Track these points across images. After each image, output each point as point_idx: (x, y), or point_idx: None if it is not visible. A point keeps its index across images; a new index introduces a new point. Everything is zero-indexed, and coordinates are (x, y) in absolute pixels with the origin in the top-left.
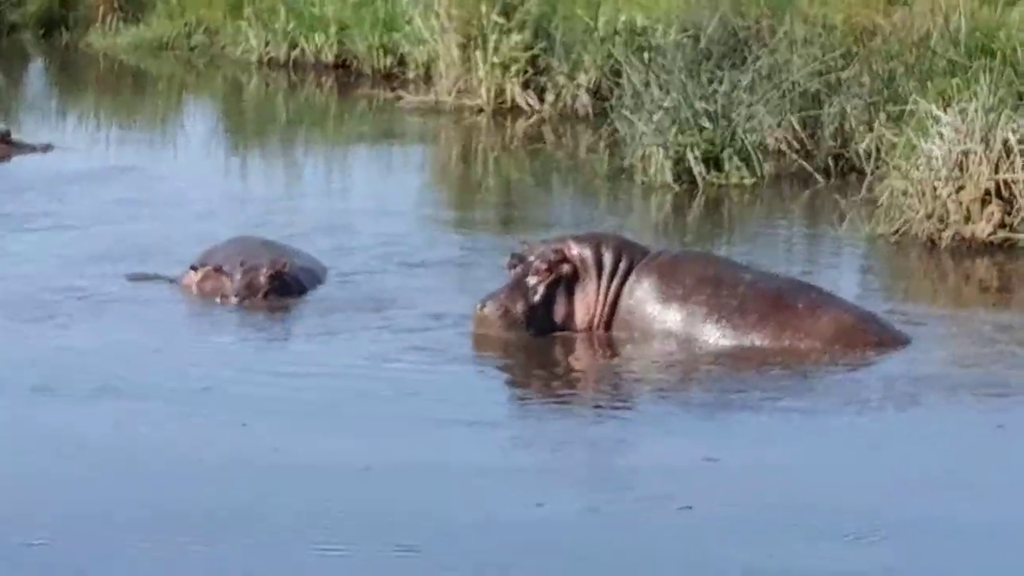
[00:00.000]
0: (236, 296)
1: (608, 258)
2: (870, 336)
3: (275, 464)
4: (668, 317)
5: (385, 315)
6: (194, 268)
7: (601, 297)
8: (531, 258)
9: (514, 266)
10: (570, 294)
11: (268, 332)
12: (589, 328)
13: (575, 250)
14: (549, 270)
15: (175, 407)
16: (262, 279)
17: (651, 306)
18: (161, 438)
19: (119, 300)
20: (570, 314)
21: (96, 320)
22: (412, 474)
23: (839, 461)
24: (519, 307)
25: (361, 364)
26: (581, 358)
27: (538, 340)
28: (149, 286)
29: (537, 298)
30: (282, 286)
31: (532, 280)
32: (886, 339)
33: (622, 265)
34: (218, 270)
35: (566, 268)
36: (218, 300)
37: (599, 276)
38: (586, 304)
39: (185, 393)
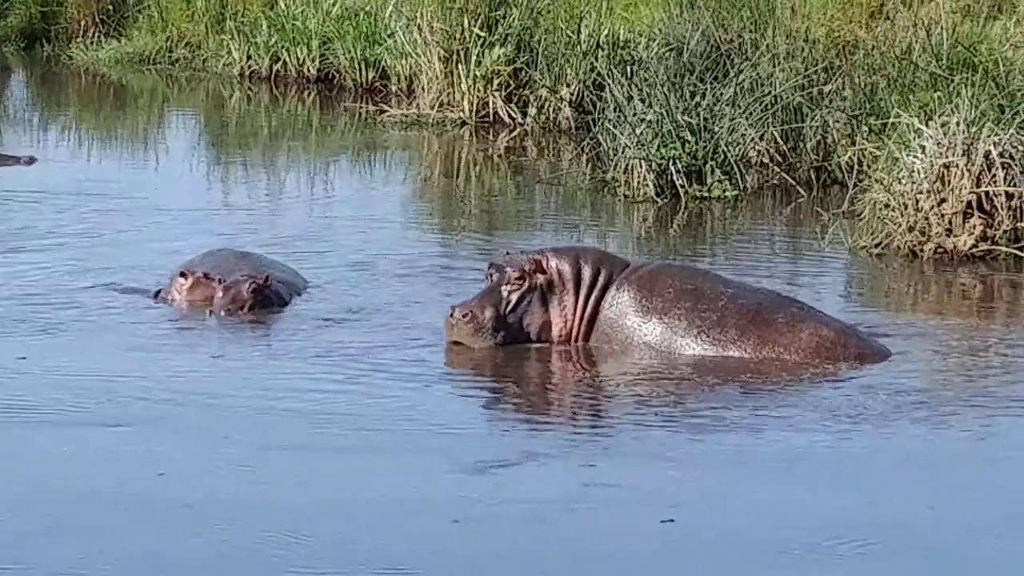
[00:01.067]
0: (222, 311)
1: (587, 271)
2: (850, 350)
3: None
4: (647, 330)
5: (361, 328)
6: (183, 275)
7: (579, 310)
8: (512, 266)
9: (492, 276)
10: (544, 305)
11: (247, 348)
12: (565, 341)
13: (553, 262)
14: (521, 279)
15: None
16: (245, 293)
17: (631, 319)
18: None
19: (100, 313)
20: (543, 325)
21: (80, 334)
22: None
23: (818, 478)
24: (487, 313)
25: (335, 381)
26: (556, 371)
27: (513, 352)
28: (131, 298)
29: (507, 307)
30: (263, 299)
31: (504, 289)
32: (866, 352)
33: (601, 278)
34: (207, 278)
35: (540, 278)
36: (207, 313)
37: (577, 289)
38: (563, 316)
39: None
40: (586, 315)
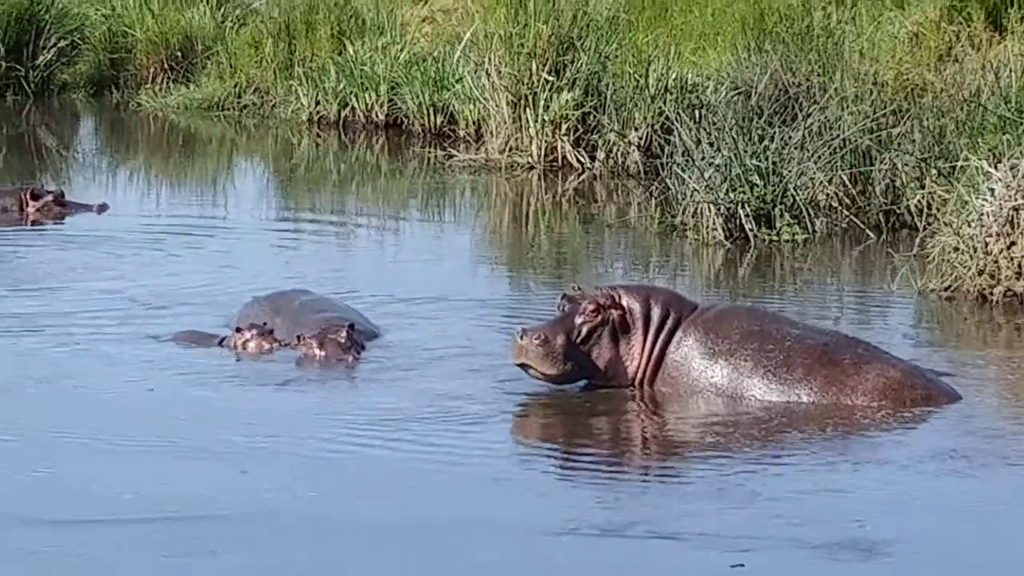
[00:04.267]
0: (333, 359)
1: (656, 312)
2: (918, 391)
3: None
4: (714, 372)
5: (433, 370)
6: (239, 330)
7: (647, 351)
8: (582, 300)
9: (563, 307)
10: (614, 341)
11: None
12: (631, 380)
13: (625, 300)
14: (596, 311)
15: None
16: (344, 339)
17: (697, 361)
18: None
19: (174, 357)
20: (611, 361)
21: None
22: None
23: (888, 526)
24: (559, 340)
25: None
26: (628, 415)
27: (582, 394)
28: (201, 346)
29: (579, 337)
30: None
31: (578, 319)
32: (934, 394)
33: (670, 321)
34: (263, 333)
35: (614, 314)
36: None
37: (646, 329)
38: (631, 355)
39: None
40: (653, 356)
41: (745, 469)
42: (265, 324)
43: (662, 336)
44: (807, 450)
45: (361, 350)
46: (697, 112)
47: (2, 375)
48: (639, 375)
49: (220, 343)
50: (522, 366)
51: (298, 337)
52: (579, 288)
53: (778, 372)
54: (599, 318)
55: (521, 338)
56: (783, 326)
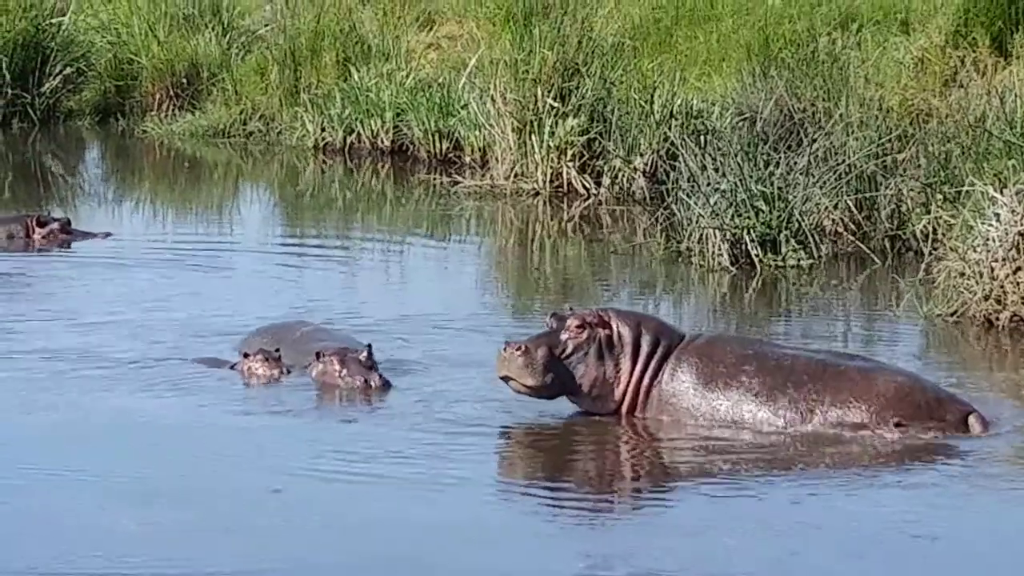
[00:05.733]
0: (364, 380)
1: (646, 339)
2: (928, 395)
3: None
4: (715, 397)
5: (431, 402)
6: (246, 355)
7: (635, 377)
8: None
9: (551, 324)
10: (600, 361)
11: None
12: (615, 404)
13: (614, 322)
14: (582, 327)
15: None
16: (365, 358)
17: (696, 389)
18: None
19: (186, 380)
20: (595, 381)
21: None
22: None
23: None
24: (540, 352)
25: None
26: (633, 445)
27: (583, 423)
28: (208, 370)
29: (563, 352)
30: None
31: (564, 335)
32: (944, 399)
33: (660, 349)
34: (268, 357)
35: (601, 333)
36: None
37: (635, 355)
38: (617, 379)
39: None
40: (642, 384)
41: (789, 493)
42: (277, 350)
43: (652, 364)
44: (826, 481)
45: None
46: (702, 138)
47: None
48: (625, 401)
49: (232, 368)
50: (505, 379)
51: (317, 354)
52: (572, 309)
53: (784, 389)
54: (585, 335)
55: (504, 350)
56: (775, 348)
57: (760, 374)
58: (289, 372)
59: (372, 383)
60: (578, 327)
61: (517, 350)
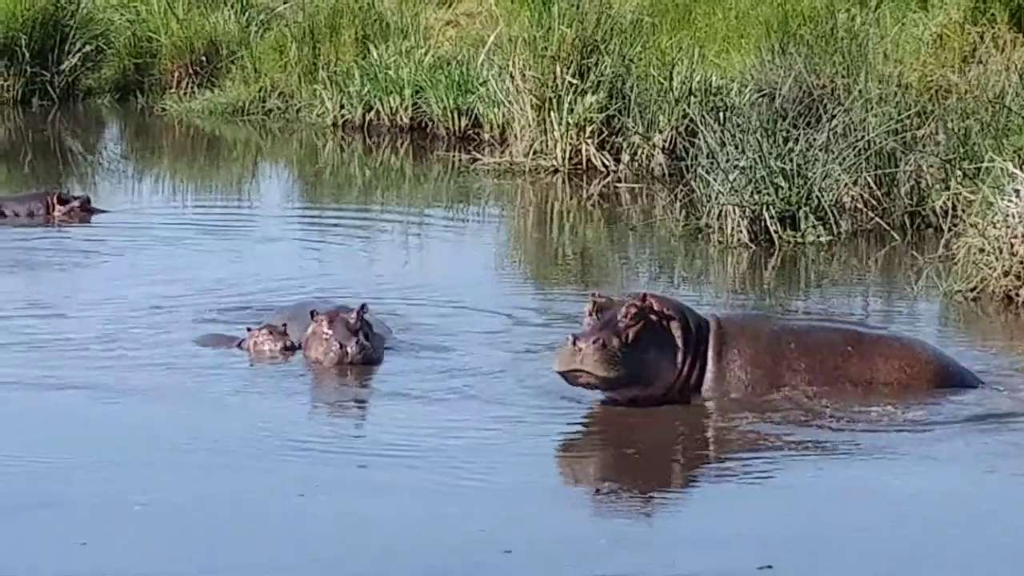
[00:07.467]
0: (341, 344)
1: (691, 322)
2: (941, 356)
3: None
4: (769, 371)
5: (457, 380)
6: (249, 329)
7: (688, 361)
8: (617, 306)
9: (593, 313)
10: (655, 347)
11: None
12: (668, 388)
13: (661, 307)
14: (639, 314)
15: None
16: (353, 319)
17: (749, 367)
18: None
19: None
20: (652, 366)
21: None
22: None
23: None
24: (614, 342)
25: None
26: (707, 429)
27: (626, 408)
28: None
29: (630, 339)
30: (365, 358)
31: (622, 323)
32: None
33: (702, 332)
34: (274, 331)
35: (654, 318)
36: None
37: (685, 339)
38: (671, 363)
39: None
40: (696, 367)
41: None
42: (284, 325)
43: (702, 348)
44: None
45: (367, 337)
46: (721, 115)
47: None
48: (677, 384)
49: (239, 345)
50: (569, 374)
51: (311, 313)
52: (603, 296)
53: (830, 357)
54: (642, 323)
55: (574, 344)
56: (792, 321)
57: (805, 349)
58: (297, 348)
59: (348, 350)
60: (636, 314)
61: (595, 342)
